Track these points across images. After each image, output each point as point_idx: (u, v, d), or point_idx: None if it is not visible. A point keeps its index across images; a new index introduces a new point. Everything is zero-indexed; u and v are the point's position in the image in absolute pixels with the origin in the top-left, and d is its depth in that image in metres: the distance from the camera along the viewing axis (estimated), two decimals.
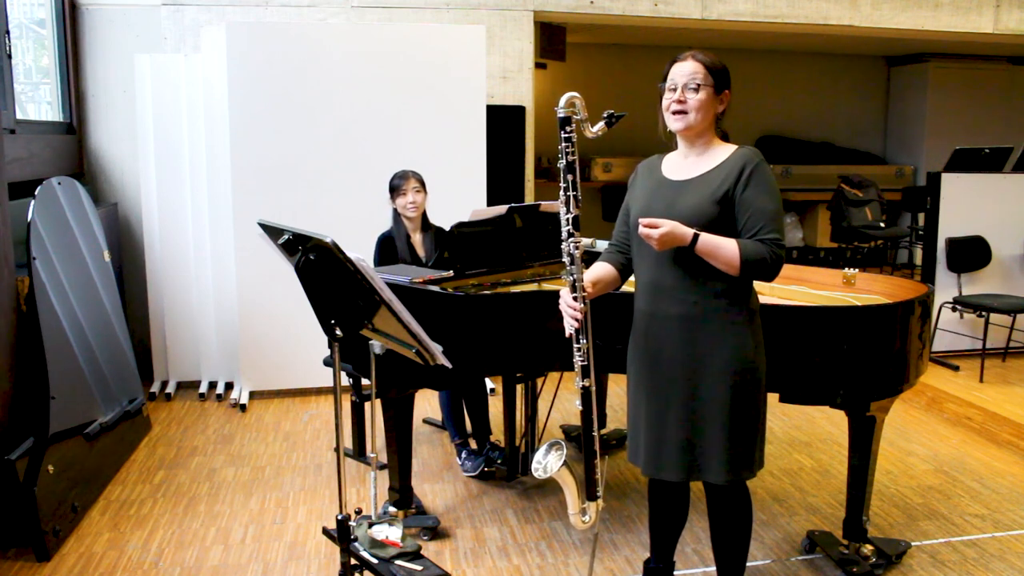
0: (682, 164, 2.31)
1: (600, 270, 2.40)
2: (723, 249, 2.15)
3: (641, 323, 2.36)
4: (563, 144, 2.22)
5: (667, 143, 2.39)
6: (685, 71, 2.21)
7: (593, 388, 2.28)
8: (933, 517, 3.38)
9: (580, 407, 2.28)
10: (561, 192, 2.24)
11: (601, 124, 2.25)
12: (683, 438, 2.28)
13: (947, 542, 3.17)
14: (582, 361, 2.25)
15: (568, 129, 2.21)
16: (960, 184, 5.52)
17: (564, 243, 2.23)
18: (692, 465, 2.29)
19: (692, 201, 2.21)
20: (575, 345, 2.25)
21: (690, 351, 2.25)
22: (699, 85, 2.19)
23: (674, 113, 2.22)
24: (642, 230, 2.16)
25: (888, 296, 3.10)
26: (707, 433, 2.26)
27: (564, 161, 2.22)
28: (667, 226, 2.13)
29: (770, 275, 2.18)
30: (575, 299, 2.24)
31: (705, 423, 2.26)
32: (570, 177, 2.22)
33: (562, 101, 2.21)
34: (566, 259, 2.24)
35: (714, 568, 2.54)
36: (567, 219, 2.23)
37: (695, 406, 2.26)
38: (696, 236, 2.14)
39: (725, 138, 2.33)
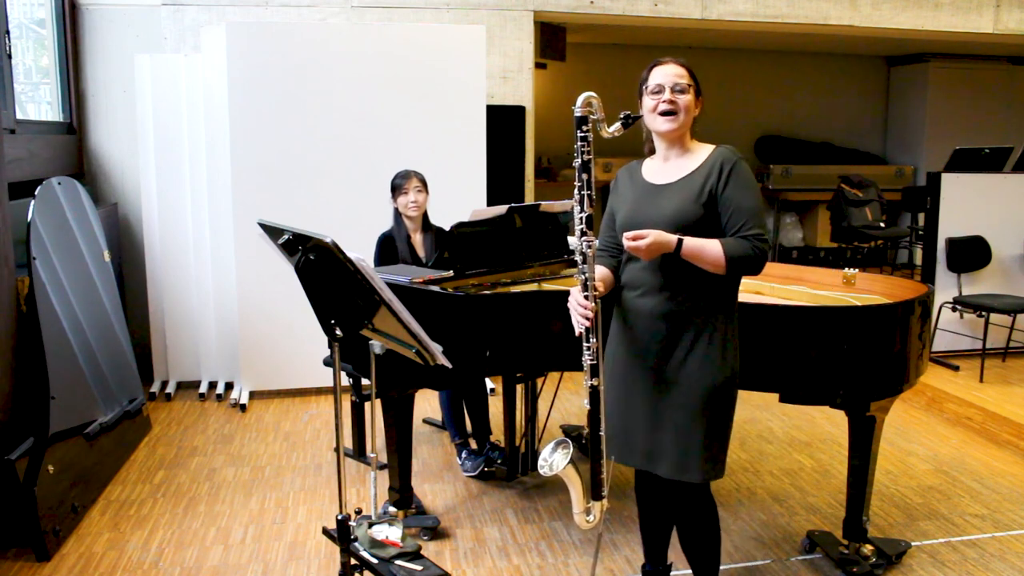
0: (663, 167, 2.35)
1: (602, 273, 2.41)
2: (708, 251, 2.18)
3: (627, 320, 2.36)
4: (579, 143, 2.22)
5: (644, 151, 2.41)
6: (670, 73, 2.25)
7: (603, 387, 2.28)
8: (933, 517, 3.38)
9: (588, 406, 2.28)
10: (576, 191, 2.25)
11: (617, 125, 2.27)
12: (671, 436, 2.29)
13: (947, 542, 3.17)
14: (591, 360, 2.25)
15: (584, 128, 2.22)
16: (960, 184, 5.52)
17: (577, 241, 2.24)
18: (681, 464, 2.29)
19: (676, 203, 2.25)
20: (584, 344, 2.25)
21: (673, 349, 2.27)
22: (686, 86, 2.25)
23: (663, 114, 2.25)
24: (628, 243, 2.20)
25: (888, 296, 3.09)
26: (686, 430, 2.27)
27: (580, 160, 2.23)
28: (651, 236, 2.17)
29: (756, 269, 2.22)
30: (586, 298, 2.24)
31: (684, 419, 2.27)
32: (585, 176, 2.23)
33: (579, 100, 2.22)
34: (578, 257, 2.25)
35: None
36: (580, 217, 2.23)
37: (677, 401, 2.28)
38: (680, 241, 2.18)
39: None
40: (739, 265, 2.19)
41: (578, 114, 2.22)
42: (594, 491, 2.35)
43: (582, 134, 2.21)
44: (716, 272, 2.20)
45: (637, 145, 2.44)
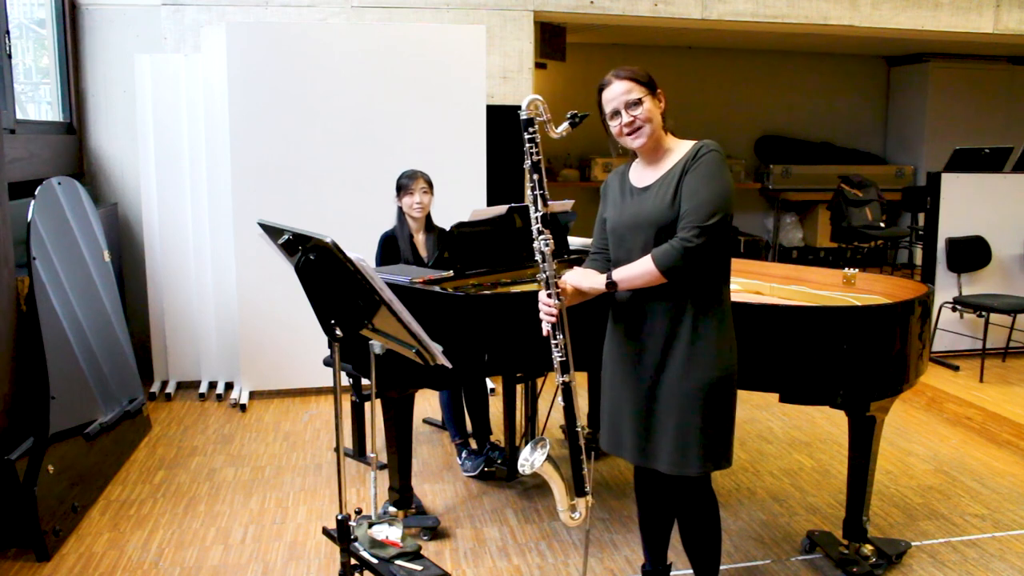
0: (646, 170, 2.36)
1: None
2: (642, 272, 2.21)
3: (622, 322, 2.37)
4: (527, 145, 2.27)
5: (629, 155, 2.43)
6: (617, 94, 2.25)
7: (574, 384, 2.31)
8: (933, 517, 3.38)
9: (562, 403, 2.32)
10: (528, 191, 2.30)
11: (565, 125, 2.30)
12: (669, 432, 2.28)
13: (947, 542, 3.17)
14: (561, 357, 2.29)
15: (531, 130, 2.27)
16: (960, 184, 5.52)
17: (535, 241, 2.28)
18: (681, 458, 2.29)
19: (653, 206, 2.26)
20: (552, 342, 2.29)
21: (669, 347, 2.27)
22: (639, 99, 2.23)
23: (629, 135, 2.25)
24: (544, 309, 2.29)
25: (888, 296, 3.10)
26: (684, 426, 2.27)
27: (529, 161, 2.28)
28: (569, 286, 2.30)
29: (689, 267, 2.17)
30: (549, 296, 2.28)
31: (682, 415, 2.26)
32: (536, 176, 2.28)
33: (524, 104, 2.26)
34: (537, 257, 2.29)
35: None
36: (536, 217, 2.28)
37: (674, 398, 2.27)
38: (611, 281, 2.25)
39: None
40: (675, 272, 2.18)
41: (523, 117, 2.25)
42: (577, 488, 2.38)
43: (529, 136, 2.26)
44: (660, 282, 2.21)
45: None
